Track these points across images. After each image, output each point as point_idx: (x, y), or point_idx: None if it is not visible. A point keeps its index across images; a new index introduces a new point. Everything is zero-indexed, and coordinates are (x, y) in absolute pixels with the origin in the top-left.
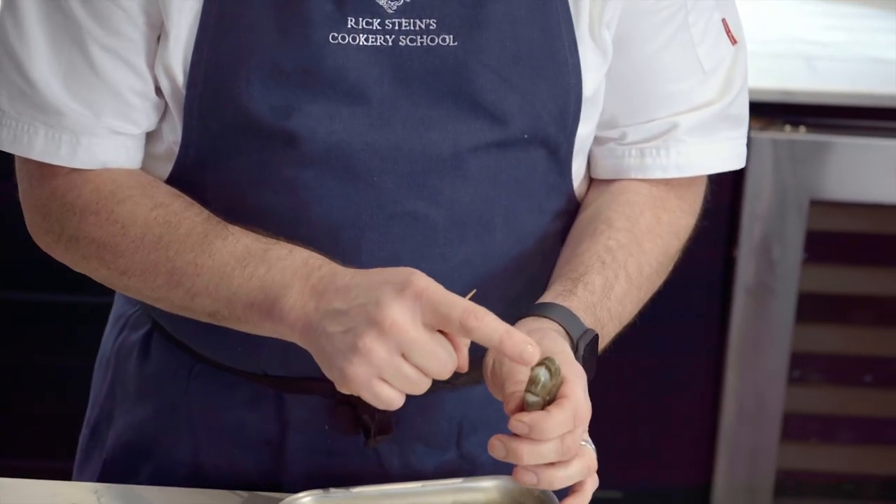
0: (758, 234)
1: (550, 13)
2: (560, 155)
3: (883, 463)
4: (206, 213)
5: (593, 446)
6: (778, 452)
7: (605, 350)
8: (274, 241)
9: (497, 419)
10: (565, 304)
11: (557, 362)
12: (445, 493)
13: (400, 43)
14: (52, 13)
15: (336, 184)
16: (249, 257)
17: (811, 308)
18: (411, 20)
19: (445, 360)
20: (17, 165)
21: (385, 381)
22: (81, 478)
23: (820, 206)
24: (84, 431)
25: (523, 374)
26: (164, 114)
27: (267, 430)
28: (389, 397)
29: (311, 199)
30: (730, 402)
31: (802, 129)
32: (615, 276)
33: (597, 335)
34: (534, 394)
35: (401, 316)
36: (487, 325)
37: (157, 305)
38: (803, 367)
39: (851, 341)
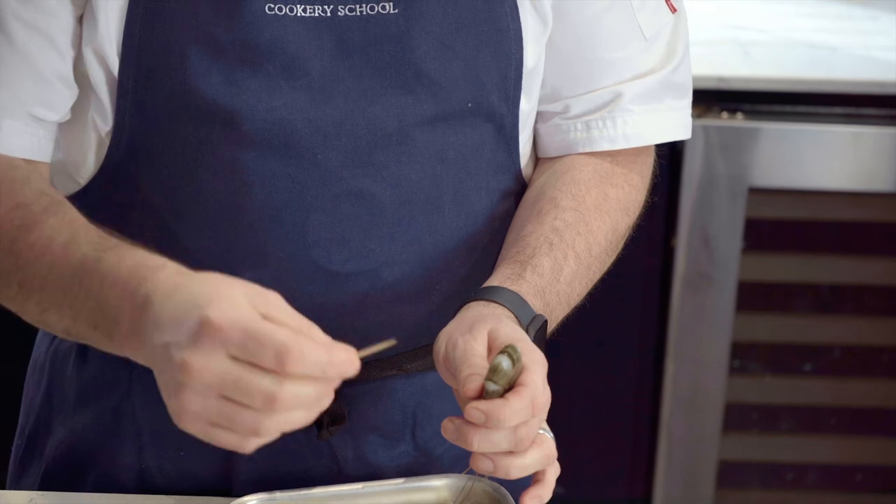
0: (696, 223)
1: None
2: (506, 131)
3: (824, 451)
4: (63, 211)
5: (552, 435)
6: (719, 442)
7: (549, 335)
8: (112, 244)
9: (454, 409)
10: (514, 288)
11: (519, 350)
12: (395, 493)
13: (339, 13)
14: None
15: (278, 164)
16: (84, 269)
17: (751, 297)
18: None
19: (269, 390)
20: None
21: (219, 426)
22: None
23: (758, 193)
24: (17, 442)
25: (479, 359)
26: (91, 102)
27: None
28: (232, 443)
29: (252, 180)
30: (670, 393)
31: (739, 115)
32: (564, 257)
33: (546, 320)
34: (494, 382)
35: (200, 359)
36: (312, 363)
37: (23, 318)
38: (743, 356)
39: (791, 330)
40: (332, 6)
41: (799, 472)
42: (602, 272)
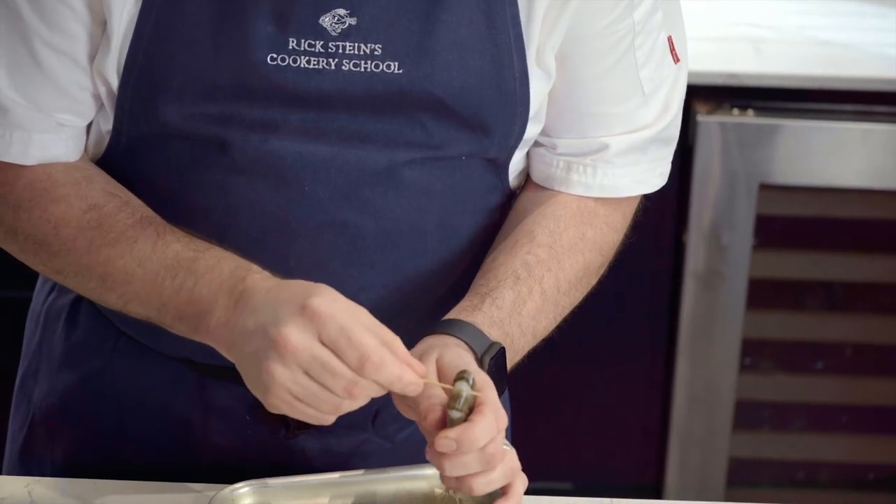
0: (707, 219)
1: (502, 43)
2: (498, 162)
3: (835, 450)
4: (139, 212)
5: (512, 447)
6: (730, 440)
7: (551, 342)
8: (205, 246)
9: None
10: (469, 319)
11: (473, 373)
12: (388, 481)
13: (343, 67)
14: None
15: (266, 190)
16: (178, 267)
17: (762, 294)
18: (356, 44)
19: (349, 379)
20: None
21: (301, 400)
22: (14, 424)
23: (769, 190)
24: (17, 378)
25: (433, 388)
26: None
27: (188, 413)
28: (315, 416)
29: (240, 204)
30: (681, 390)
31: (750, 112)
32: (528, 291)
33: (503, 348)
34: (457, 409)
35: (296, 336)
36: (386, 375)
37: (99, 303)
38: (754, 354)
39: (803, 327)
40: (336, 60)
41: (810, 470)
42: (572, 307)
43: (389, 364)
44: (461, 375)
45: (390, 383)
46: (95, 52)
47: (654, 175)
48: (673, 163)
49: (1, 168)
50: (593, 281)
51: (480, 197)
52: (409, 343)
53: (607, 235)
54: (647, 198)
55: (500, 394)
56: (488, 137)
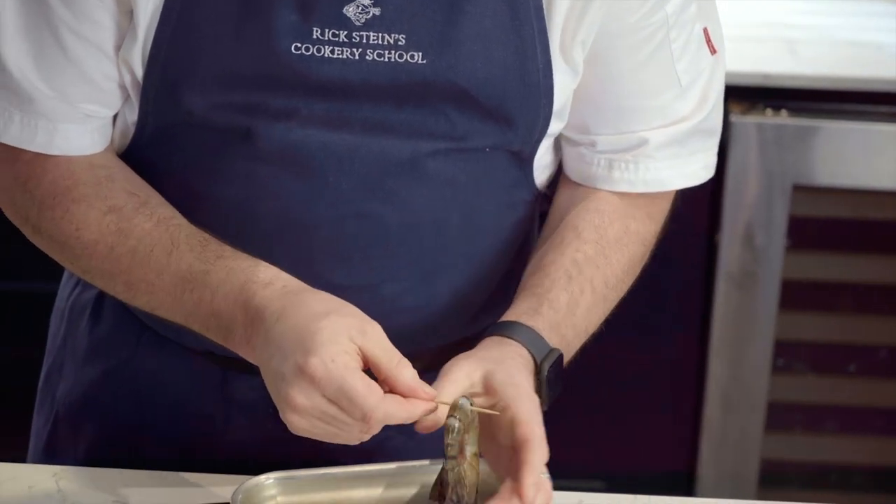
0: (740, 220)
1: (526, 35)
2: (523, 156)
3: (868, 452)
4: (157, 214)
5: (549, 475)
6: (762, 442)
7: (584, 344)
8: (215, 255)
9: None
10: (530, 323)
11: (468, 406)
12: (414, 474)
13: (367, 57)
14: None
15: (290, 180)
16: (193, 280)
17: (795, 295)
18: (380, 34)
19: (360, 426)
20: None
21: (326, 433)
22: (39, 420)
23: (803, 191)
24: (42, 374)
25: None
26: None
27: (211, 406)
28: (342, 439)
29: (263, 193)
30: (713, 391)
31: (784, 113)
32: (580, 290)
33: (561, 354)
34: (451, 445)
35: (302, 399)
36: (394, 420)
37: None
38: (787, 355)
39: (835, 329)
40: (360, 50)
41: (842, 473)
42: (618, 300)
43: (394, 412)
44: (456, 407)
45: (404, 421)
46: (121, 41)
47: (697, 167)
48: None
49: (28, 162)
50: (637, 272)
51: (505, 191)
52: (433, 327)
53: (649, 226)
54: (680, 198)
55: (554, 398)
56: (512, 129)
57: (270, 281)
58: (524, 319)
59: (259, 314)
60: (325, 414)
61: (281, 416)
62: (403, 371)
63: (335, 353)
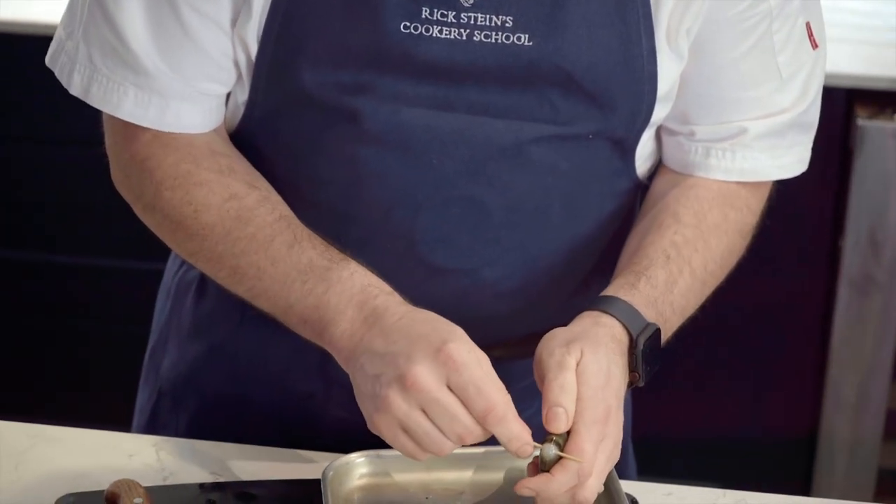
0: (865, 224)
1: (630, 20)
2: (626, 145)
3: None
4: (278, 210)
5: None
6: (880, 449)
7: (685, 342)
8: (340, 257)
9: (532, 391)
10: (626, 298)
11: (551, 452)
12: (503, 458)
13: (474, 38)
14: None
15: (395, 163)
16: (310, 272)
17: None
18: (487, 15)
19: (466, 426)
20: (105, 117)
21: (407, 433)
22: (143, 395)
23: None
24: (147, 350)
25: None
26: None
27: (310, 384)
28: (409, 449)
29: (367, 175)
30: (831, 397)
31: None
32: (679, 270)
33: (658, 329)
34: (544, 471)
35: (425, 376)
36: (506, 429)
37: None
38: None
39: None
40: (468, 31)
41: None
42: (716, 286)
43: (512, 420)
44: (552, 437)
45: (508, 439)
46: (237, 16)
47: (793, 160)
48: (831, 166)
49: (148, 143)
50: (734, 262)
51: (606, 180)
52: (532, 315)
53: (747, 217)
54: (804, 201)
55: (653, 372)
56: (615, 115)
57: (393, 293)
58: (621, 294)
59: (378, 313)
60: (437, 404)
61: (374, 402)
62: (512, 406)
63: (474, 347)
